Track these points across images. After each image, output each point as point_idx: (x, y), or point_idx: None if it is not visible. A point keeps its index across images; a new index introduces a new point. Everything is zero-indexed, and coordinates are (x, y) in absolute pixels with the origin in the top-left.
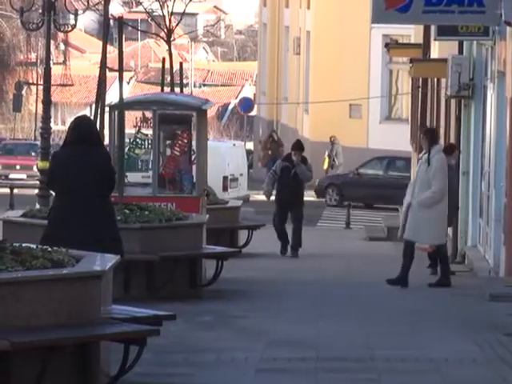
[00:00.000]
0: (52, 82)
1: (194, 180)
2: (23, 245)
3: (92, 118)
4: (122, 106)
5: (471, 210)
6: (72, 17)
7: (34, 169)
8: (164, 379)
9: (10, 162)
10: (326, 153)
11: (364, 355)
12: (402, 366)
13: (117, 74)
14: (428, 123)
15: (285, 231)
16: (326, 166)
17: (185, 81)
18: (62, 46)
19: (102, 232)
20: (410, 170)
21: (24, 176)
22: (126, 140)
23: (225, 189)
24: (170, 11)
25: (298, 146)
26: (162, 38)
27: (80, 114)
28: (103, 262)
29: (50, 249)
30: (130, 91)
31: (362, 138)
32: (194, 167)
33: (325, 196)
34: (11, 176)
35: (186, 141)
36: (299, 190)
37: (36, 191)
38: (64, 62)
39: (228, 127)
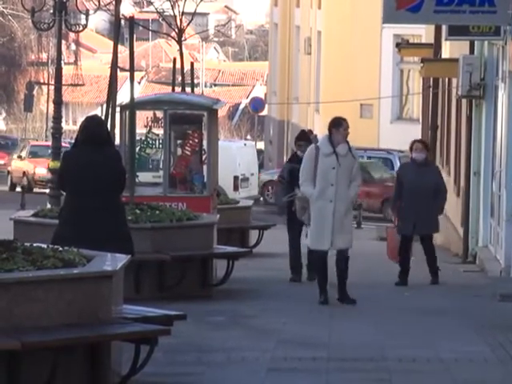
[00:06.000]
0: (63, 82)
1: (205, 180)
2: (34, 244)
3: (103, 117)
4: (133, 106)
5: (482, 210)
6: (83, 17)
7: None
8: (175, 379)
9: None
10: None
11: (375, 355)
12: (413, 366)
13: (128, 73)
14: (439, 123)
15: (301, 262)
16: None
17: (196, 81)
18: (73, 46)
19: (112, 232)
20: None
21: None
22: (137, 140)
23: (235, 188)
24: (181, 11)
25: (304, 136)
26: (173, 37)
27: (91, 113)
28: (114, 261)
29: (60, 248)
30: (141, 91)
31: (373, 138)
32: (204, 167)
33: None
34: None
35: (196, 140)
36: None
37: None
38: (75, 62)
39: (239, 127)
